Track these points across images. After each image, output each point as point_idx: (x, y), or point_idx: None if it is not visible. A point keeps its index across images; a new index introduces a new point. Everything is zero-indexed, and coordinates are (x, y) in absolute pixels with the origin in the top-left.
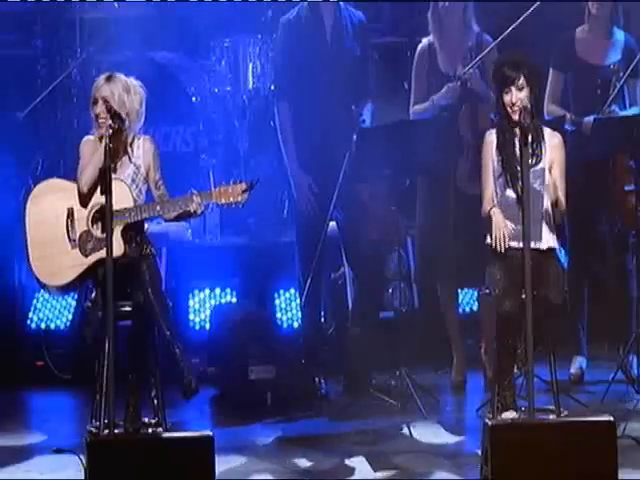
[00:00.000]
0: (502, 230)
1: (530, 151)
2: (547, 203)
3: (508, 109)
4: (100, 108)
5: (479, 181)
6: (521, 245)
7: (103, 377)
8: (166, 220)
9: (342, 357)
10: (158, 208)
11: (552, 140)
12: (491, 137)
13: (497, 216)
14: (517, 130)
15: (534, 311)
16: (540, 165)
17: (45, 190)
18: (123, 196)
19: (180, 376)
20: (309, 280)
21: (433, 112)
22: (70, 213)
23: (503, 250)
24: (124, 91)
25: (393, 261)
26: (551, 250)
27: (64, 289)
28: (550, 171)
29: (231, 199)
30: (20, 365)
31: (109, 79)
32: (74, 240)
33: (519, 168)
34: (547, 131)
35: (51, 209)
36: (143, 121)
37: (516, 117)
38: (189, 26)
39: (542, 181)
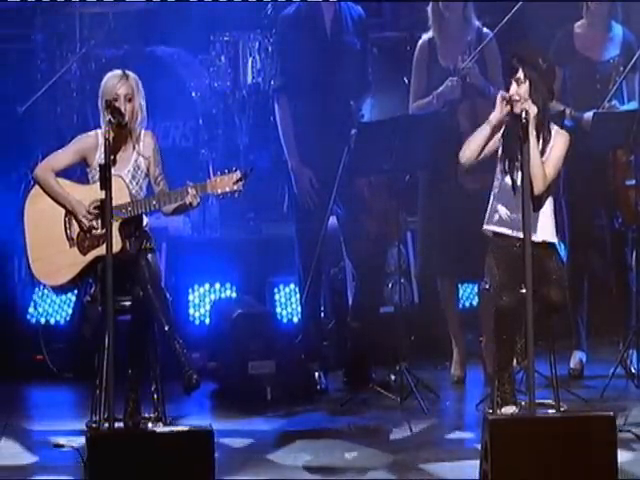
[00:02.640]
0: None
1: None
2: (549, 198)
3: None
4: (124, 105)
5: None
6: (514, 234)
7: (103, 372)
8: (165, 214)
9: (342, 352)
10: (154, 202)
11: (557, 137)
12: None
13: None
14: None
15: (534, 308)
16: (542, 159)
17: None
18: (120, 192)
19: (181, 371)
20: (309, 275)
21: (433, 107)
22: (68, 211)
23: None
24: (137, 87)
25: (393, 256)
26: (551, 246)
27: (64, 288)
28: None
29: (227, 189)
30: (20, 360)
31: (126, 76)
32: (72, 239)
33: (519, 157)
34: (554, 129)
35: (49, 208)
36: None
37: (516, 110)
38: (189, 21)
39: None
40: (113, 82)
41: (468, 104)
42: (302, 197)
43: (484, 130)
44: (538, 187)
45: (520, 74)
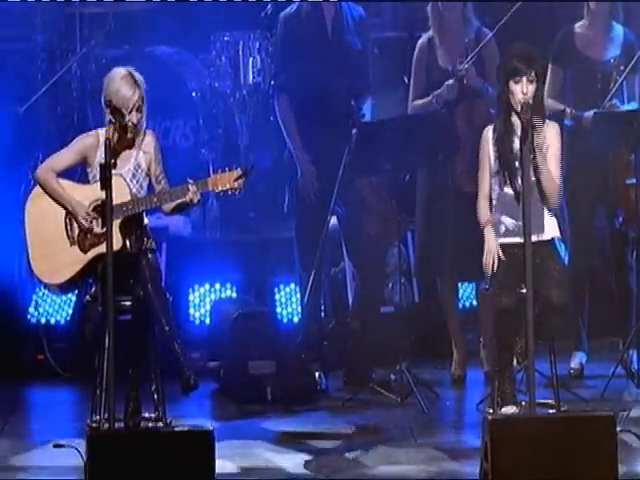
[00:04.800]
0: (492, 255)
1: (531, 147)
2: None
3: (515, 99)
4: (136, 116)
5: (476, 175)
6: (522, 241)
7: (103, 372)
8: (166, 213)
9: (342, 352)
10: (155, 199)
11: (549, 130)
12: (488, 134)
13: (489, 240)
14: (517, 123)
15: (535, 308)
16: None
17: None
18: (120, 191)
19: (179, 371)
20: (311, 276)
21: (432, 108)
22: (68, 212)
23: (490, 273)
24: (144, 91)
25: (393, 256)
26: (553, 246)
27: (65, 287)
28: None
29: (227, 185)
30: (20, 360)
31: (137, 83)
32: (73, 237)
33: (517, 164)
34: (546, 122)
35: (50, 208)
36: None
37: (519, 109)
38: (189, 21)
39: None
40: (127, 93)
41: (465, 106)
42: (305, 190)
43: None
44: (554, 201)
45: (532, 74)
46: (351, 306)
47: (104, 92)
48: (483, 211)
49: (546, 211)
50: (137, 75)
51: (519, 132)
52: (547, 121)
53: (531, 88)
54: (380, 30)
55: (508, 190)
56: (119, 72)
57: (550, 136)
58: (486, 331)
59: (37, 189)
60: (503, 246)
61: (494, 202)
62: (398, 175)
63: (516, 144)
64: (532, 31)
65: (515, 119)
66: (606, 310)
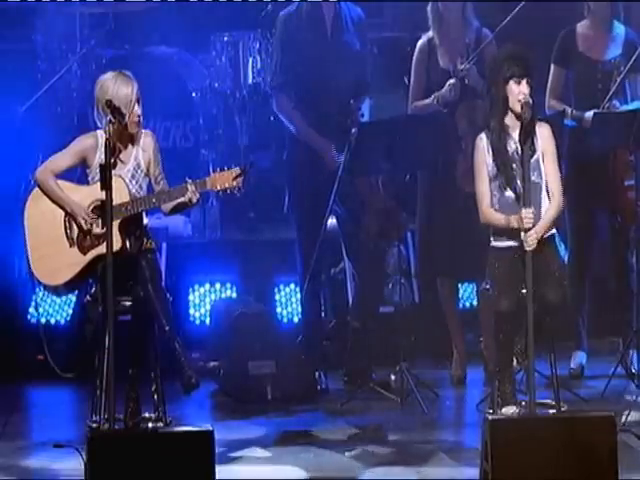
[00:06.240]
0: (526, 221)
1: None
2: (545, 193)
3: (516, 100)
4: (138, 111)
5: (474, 184)
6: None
7: (103, 372)
8: (165, 214)
9: (342, 352)
10: (154, 200)
11: (541, 131)
12: (482, 142)
13: (510, 219)
14: (511, 124)
15: (534, 307)
16: (534, 157)
17: None
18: (120, 191)
19: (180, 371)
20: (309, 275)
21: (432, 109)
22: (68, 214)
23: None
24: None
25: (393, 256)
26: (553, 244)
27: (65, 288)
28: (543, 162)
29: (226, 184)
30: (20, 360)
31: (132, 81)
32: (72, 238)
33: (514, 166)
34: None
35: (50, 209)
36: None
37: (519, 109)
38: (189, 21)
39: (539, 173)
40: (127, 90)
41: (466, 106)
42: (330, 162)
43: None
44: (557, 199)
45: (528, 76)
46: (351, 306)
47: (101, 96)
48: (494, 216)
49: (544, 211)
50: (127, 72)
51: (513, 134)
52: (539, 122)
53: (529, 89)
54: (380, 30)
55: (508, 194)
56: (110, 75)
57: (544, 136)
58: (486, 331)
59: (37, 190)
60: (504, 249)
61: (495, 207)
62: (398, 175)
63: (511, 146)
64: (531, 31)
65: (509, 120)
66: (606, 310)
